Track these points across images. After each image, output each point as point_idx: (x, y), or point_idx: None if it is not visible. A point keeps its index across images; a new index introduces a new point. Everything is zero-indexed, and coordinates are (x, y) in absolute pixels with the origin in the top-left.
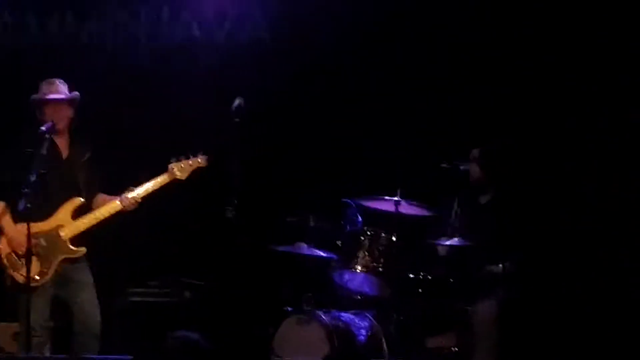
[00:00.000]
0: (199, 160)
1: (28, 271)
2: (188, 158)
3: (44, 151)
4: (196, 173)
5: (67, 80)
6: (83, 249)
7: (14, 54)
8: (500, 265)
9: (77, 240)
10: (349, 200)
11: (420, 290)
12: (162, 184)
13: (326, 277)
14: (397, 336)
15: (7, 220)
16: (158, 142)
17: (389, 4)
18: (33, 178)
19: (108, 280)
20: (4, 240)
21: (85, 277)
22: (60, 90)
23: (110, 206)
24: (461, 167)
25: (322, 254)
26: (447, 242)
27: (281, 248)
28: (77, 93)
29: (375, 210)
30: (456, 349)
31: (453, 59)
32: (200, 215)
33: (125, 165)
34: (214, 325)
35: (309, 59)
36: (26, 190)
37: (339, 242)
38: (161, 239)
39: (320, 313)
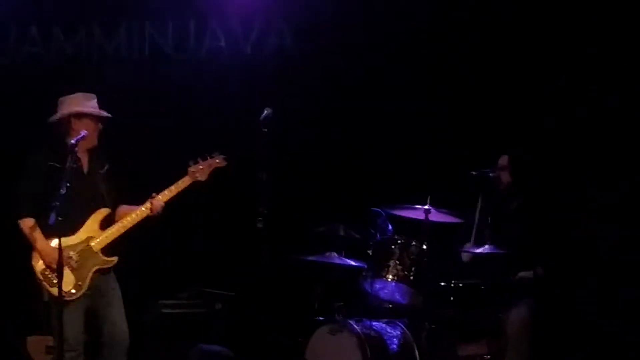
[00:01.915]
0: (217, 160)
1: (60, 285)
2: (205, 159)
3: (73, 164)
4: (216, 174)
5: (95, 92)
6: (115, 258)
7: (40, 67)
8: (531, 271)
9: (107, 250)
10: (378, 209)
11: (451, 298)
12: (184, 186)
13: (357, 287)
14: (429, 344)
15: (39, 236)
16: (185, 153)
17: (415, 15)
18: (63, 191)
19: (138, 292)
20: (37, 256)
21: (114, 290)
22: (97, 105)
23: (136, 213)
24: (490, 174)
25: (352, 263)
26: (478, 250)
27: (312, 258)
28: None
29: (406, 218)
30: (488, 357)
31: (480, 66)
32: (230, 226)
33: (152, 177)
34: (245, 336)
35: (335, 68)
36: (56, 203)
37: (369, 251)
38: (191, 250)
39: (352, 322)
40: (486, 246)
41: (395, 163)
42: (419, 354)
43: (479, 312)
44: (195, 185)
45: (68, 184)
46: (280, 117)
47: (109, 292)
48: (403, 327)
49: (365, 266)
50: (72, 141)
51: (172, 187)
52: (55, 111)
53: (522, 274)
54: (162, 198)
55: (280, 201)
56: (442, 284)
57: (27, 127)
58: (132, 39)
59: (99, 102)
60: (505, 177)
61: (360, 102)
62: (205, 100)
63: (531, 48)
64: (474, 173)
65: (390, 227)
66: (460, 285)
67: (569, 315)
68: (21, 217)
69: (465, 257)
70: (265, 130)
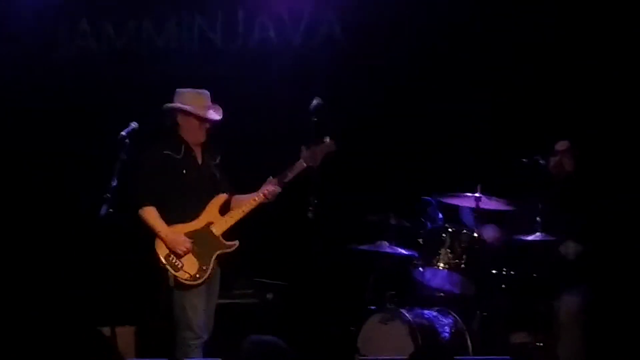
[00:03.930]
0: (328, 145)
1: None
2: (317, 144)
3: (124, 156)
4: (328, 158)
5: (145, 85)
6: (236, 242)
7: (91, 62)
8: (573, 249)
9: (227, 235)
10: (429, 198)
11: (503, 286)
12: (298, 171)
13: (408, 275)
14: (480, 332)
15: (160, 223)
16: (235, 145)
17: (463, 8)
18: (114, 183)
19: None
20: (160, 242)
21: (218, 284)
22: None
23: (254, 199)
24: (541, 162)
25: (403, 252)
26: (530, 237)
27: (363, 247)
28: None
29: (456, 206)
30: (541, 345)
31: (531, 55)
32: (281, 216)
33: None
34: (297, 326)
35: (384, 58)
36: (107, 195)
37: (420, 240)
38: (242, 241)
39: (404, 311)
40: (538, 234)
41: (446, 151)
42: (471, 342)
43: (531, 300)
44: (308, 170)
45: (183, 172)
46: (330, 106)
47: (213, 288)
48: (454, 315)
49: (416, 255)
50: (123, 133)
51: (287, 173)
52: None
53: (562, 249)
54: (278, 184)
55: (331, 191)
56: (494, 271)
57: (78, 120)
58: (181, 32)
59: (149, 94)
60: (566, 162)
61: (410, 91)
62: (255, 91)
63: (581, 40)
64: (525, 160)
65: (440, 215)
66: (512, 273)
67: (622, 303)
68: (142, 207)
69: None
70: (315, 119)
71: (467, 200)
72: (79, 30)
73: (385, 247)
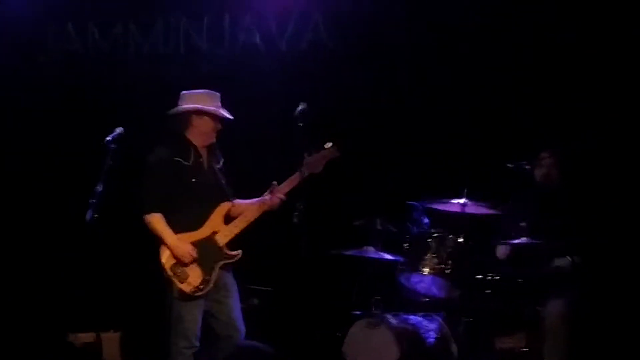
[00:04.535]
0: (331, 150)
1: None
2: (319, 151)
3: (110, 161)
4: (330, 164)
5: (132, 89)
6: (239, 252)
7: (77, 64)
8: (569, 263)
9: (231, 244)
10: (415, 203)
11: (488, 291)
12: (302, 178)
13: (394, 280)
14: (466, 338)
15: (167, 231)
16: (221, 150)
17: (452, 6)
18: (100, 189)
19: None
20: (166, 251)
21: (233, 282)
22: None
23: (258, 206)
24: (526, 167)
25: (389, 257)
26: (516, 242)
27: (348, 252)
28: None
29: (442, 211)
30: (526, 349)
31: (518, 60)
32: (267, 221)
33: None
34: (282, 331)
35: (371, 63)
36: (93, 200)
37: (405, 245)
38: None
39: (389, 316)
40: (523, 238)
41: (432, 156)
42: (456, 348)
43: (516, 305)
44: (310, 177)
45: (192, 180)
46: (316, 111)
47: (228, 287)
48: (440, 320)
49: (402, 260)
50: (109, 138)
51: (289, 180)
52: (176, 104)
53: (557, 262)
54: (282, 191)
55: (317, 195)
56: (479, 277)
57: (64, 123)
58: (167, 35)
59: (135, 97)
60: (552, 171)
61: (396, 96)
62: (241, 96)
63: (570, 44)
64: (510, 165)
65: (426, 220)
66: (497, 278)
67: (607, 309)
68: (149, 213)
69: (500, 252)
70: (301, 124)
71: (453, 205)
72: (65, 33)
73: (371, 252)
